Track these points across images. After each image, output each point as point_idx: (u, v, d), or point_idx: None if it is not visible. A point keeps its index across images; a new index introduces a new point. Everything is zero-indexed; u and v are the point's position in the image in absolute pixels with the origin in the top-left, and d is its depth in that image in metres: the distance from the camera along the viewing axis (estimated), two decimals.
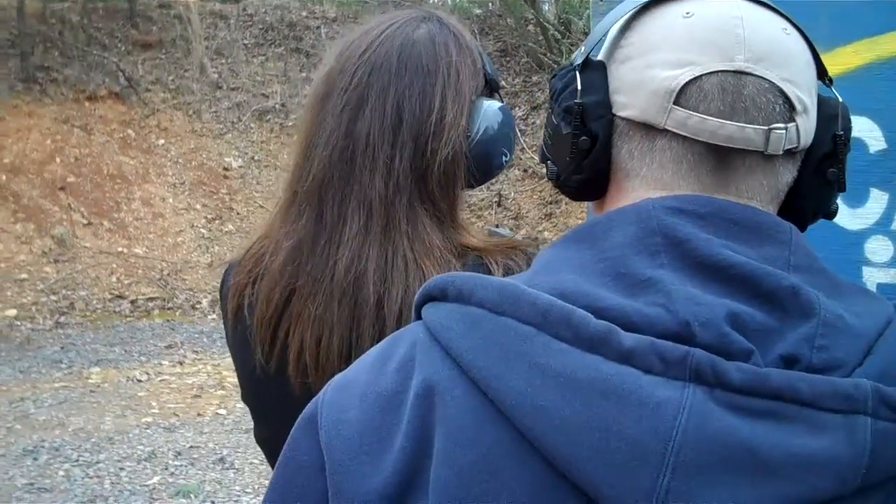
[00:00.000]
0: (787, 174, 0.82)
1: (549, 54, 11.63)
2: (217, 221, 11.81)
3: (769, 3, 0.84)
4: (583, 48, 0.86)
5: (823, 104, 0.84)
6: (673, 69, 0.79)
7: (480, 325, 0.73)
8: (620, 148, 0.82)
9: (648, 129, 0.80)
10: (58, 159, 11.41)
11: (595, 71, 0.84)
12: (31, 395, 7.06)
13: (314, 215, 1.28)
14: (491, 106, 1.29)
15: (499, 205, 11.28)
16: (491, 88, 1.34)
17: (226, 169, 12.45)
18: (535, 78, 12.38)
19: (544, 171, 0.92)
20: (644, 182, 0.81)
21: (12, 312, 9.45)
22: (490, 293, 0.74)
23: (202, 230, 11.62)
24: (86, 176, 11.42)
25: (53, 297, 9.90)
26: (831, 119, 0.83)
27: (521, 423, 0.70)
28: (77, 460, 5.70)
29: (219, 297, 1.44)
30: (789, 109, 0.79)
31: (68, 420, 6.49)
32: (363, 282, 1.24)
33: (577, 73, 0.84)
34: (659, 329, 0.70)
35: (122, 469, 5.58)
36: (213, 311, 10.13)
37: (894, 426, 0.67)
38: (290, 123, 12.96)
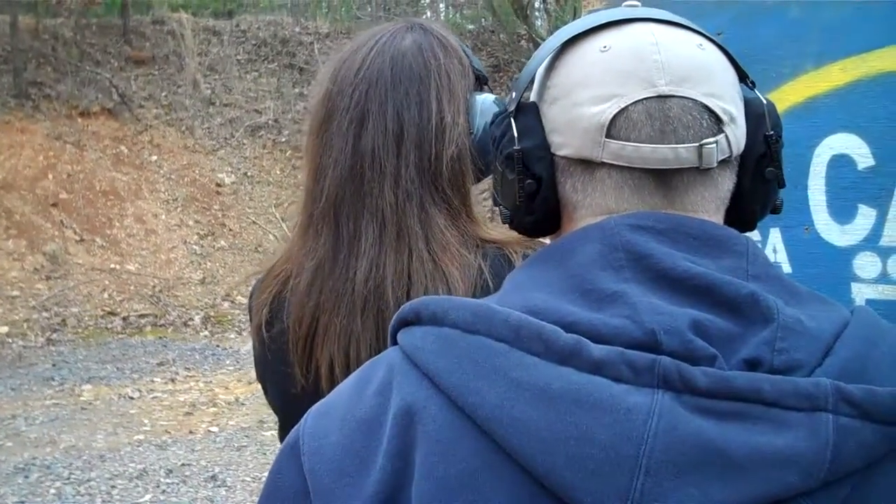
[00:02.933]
0: (726, 182, 0.85)
1: None
2: (210, 238, 11.80)
3: (681, 21, 0.87)
4: (514, 93, 0.89)
5: (750, 106, 0.87)
6: (599, 104, 0.82)
7: (454, 345, 0.76)
8: (564, 184, 0.85)
9: (587, 163, 0.83)
10: (50, 175, 11.41)
11: (529, 114, 0.87)
12: (23, 413, 7.03)
13: (331, 234, 1.32)
14: (485, 100, 1.33)
15: (492, 220, 11.29)
16: (480, 83, 1.38)
17: (218, 185, 12.45)
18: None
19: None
20: (590, 211, 0.84)
21: (4, 329, 9.41)
22: (463, 314, 0.77)
23: (195, 246, 11.61)
24: (78, 192, 11.41)
25: (45, 314, 9.87)
26: (759, 120, 0.86)
27: (499, 435, 0.72)
28: (68, 478, 5.67)
29: (248, 311, 1.47)
30: (716, 122, 0.82)
31: (60, 437, 6.46)
32: (383, 289, 1.27)
33: (512, 119, 0.87)
34: (626, 339, 0.72)
35: (113, 487, 5.55)
36: (206, 328, 10.11)
37: (855, 422, 0.70)
38: (283, 139, 12.98)
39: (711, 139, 0.81)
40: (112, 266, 10.85)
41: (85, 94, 12.49)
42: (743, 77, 0.88)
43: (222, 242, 11.78)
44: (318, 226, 1.33)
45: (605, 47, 0.84)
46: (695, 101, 0.81)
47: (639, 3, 0.89)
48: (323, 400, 0.85)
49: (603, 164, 0.82)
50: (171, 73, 13.44)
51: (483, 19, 14.21)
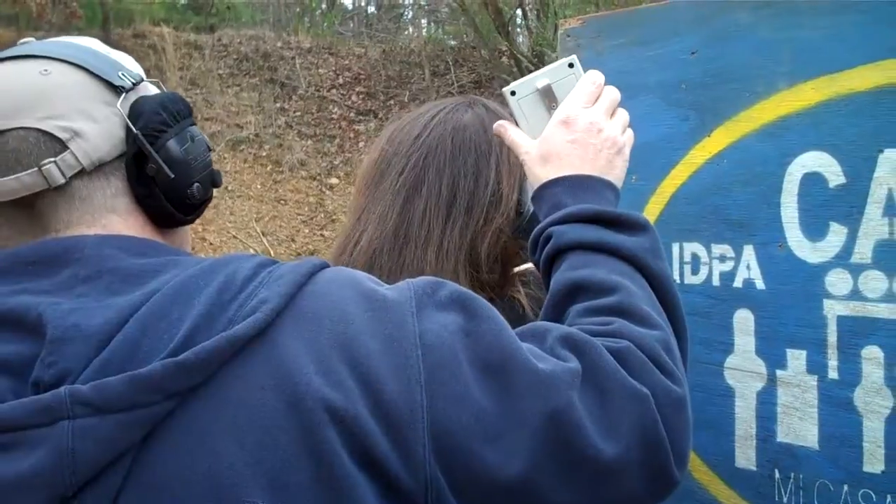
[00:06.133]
0: (100, 189, 0.89)
1: None
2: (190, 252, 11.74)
3: (27, 51, 0.91)
4: None
5: (133, 111, 0.90)
6: None
7: None
8: None
9: None
10: None
11: None
12: None
13: None
14: None
15: None
16: None
17: None
18: (507, 109, 12.42)
19: None
20: None
21: None
22: None
23: None
24: None
25: None
26: (135, 122, 0.90)
27: None
28: None
29: None
30: (57, 142, 0.86)
31: None
32: None
33: None
34: None
35: None
36: None
37: (91, 420, 0.71)
38: (264, 154, 12.97)
39: (50, 159, 0.85)
40: None
41: None
42: (115, 86, 0.91)
43: (202, 256, 11.73)
44: None
45: None
46: (29, 128, 0.85)
47: (33, 39, 0.95)
48: None
49: None
50: None
51: (464, 35, 14.23)
